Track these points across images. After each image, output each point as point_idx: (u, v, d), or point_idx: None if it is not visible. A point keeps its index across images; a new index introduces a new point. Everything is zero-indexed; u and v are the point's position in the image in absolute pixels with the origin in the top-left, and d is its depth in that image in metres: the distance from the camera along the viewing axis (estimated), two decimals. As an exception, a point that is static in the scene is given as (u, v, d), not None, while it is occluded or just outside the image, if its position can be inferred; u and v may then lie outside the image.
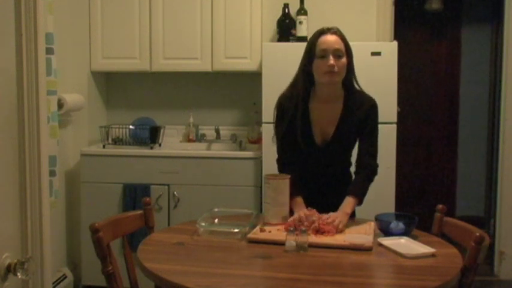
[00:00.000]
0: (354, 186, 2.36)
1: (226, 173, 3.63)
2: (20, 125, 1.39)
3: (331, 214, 2.22)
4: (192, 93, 4.24)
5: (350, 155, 2.49)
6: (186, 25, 3.87)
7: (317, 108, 2.40)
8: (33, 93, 1.42)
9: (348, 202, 2.30)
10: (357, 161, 2.42)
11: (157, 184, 3.68)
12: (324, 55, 2.27)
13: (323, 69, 2.28)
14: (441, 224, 2.25)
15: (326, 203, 2.32)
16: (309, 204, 2.34)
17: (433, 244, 2.04)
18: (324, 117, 2.39)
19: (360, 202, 2.35)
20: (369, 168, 2.39)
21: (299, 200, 2.37)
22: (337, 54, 2.27)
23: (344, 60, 2.29)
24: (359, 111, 2.38)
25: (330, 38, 2.29)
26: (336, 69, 2.26)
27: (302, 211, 2.27)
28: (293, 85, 2.41)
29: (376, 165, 2.41)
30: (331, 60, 2.25)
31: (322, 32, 2.33)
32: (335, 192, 2.38)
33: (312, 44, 2.33)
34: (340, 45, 2.29)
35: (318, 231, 2.14)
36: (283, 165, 2.47)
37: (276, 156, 2.51)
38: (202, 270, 1.83)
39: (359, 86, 2.41)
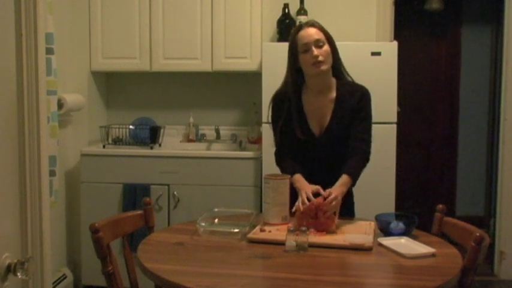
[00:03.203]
0: (349, 166, 2.34)
1: (226, 173, 3.63)
2: (20, 125, 1.39)
3: (331, 190, 2.23)
4: (192, 93, 4.24)
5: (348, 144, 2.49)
6: (186, 25, 3.87)
7: (311, 100, 2.44)
8: (33, 93, 1.42)
9: (344, 181, 2.30)
10: (349, 147, 2.39)
11: (157, 184, 3.68)
12: (307, 49, 2.33)
13: (309, 62, 2.33)
14: (441, 224, 2.25)
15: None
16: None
17: (433, 244, 2.04)
18: (319, 108, 2.43)
19: (353, 183, 2.36)
20: (361, 153, 2.38)
21: (298, 176, 2.37)
22: (318, 45, 2.32)
23: (326, 47, 2.34)
24: (351, 98, 2.41)
25: (309, 31, 2.35)
26: (320, 58, 2.31)
27: (307, 188, 2.27)
28: (285, 83, 2.46)
29: (369, 152, 2.42)
30: (314, 51, 2.30)
31: (299, 28, 2.39)
32: (335, 182, 2.37)
33: (292, 41, 2.39)
34: (319, 35, 2.34)
35: (319, 229, 2.15)
36: (282, 156, 2.49)
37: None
38: (202, 270, 1.83)
39: (349, 76, 2.45)
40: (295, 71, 2.41)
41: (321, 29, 2.37)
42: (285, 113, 2.43)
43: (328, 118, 2.42)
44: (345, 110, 2.41)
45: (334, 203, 2.18)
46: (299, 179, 2.37)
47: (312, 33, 2.34)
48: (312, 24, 2.38)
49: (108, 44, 3.96)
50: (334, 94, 2.43)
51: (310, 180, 2.40)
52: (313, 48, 2.31)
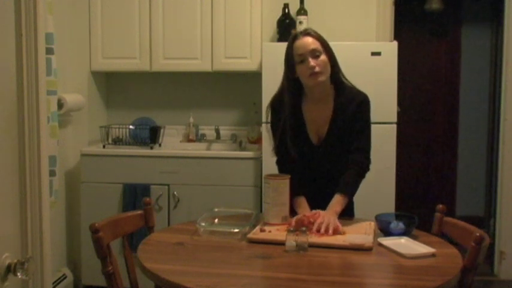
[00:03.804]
0: (344, 184, 2.32)
1: (226, 173, 3.63)
2: (20, 125, 1.39)
3: (320, 213, 2.21)
4: (192, 93, 4.24)
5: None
6: (186, 25, 3.87)
7: (310, 108, 2.40)
8: (33, 93, 1.42)
9: (337, 200, 2.28)
10: (348, 158, 2.37)
11: (157, 184, 3.68)
12: (303, 59, 2.27)
13: (306, 73, 2.27)
14: (441, 224, 2.25)
15: (326, 202, 2.32)
16: (309, 203, 2.34)
17: (433, 244, 2.04)
18: (318, 117, 2.39)
19: (349, 199, 2.34)
20: (359, 165, 2.35)
21: (301, 200, 2.36)
22: (314, 55, 2.26)
23: (323, 57, 2.27)
24: (350, 106, 2.36)
25: (304, 41, 2.28)
26: (317, 69, 2.25)
27: (306, 213, 2.26)
28: (282, 91, 2.40)
29: (368, 162, 2.38)
30: (311, 62, 2.24)
31: (295, 38, 2.32)
32: (334, 191, 2.37)
33: (288, 51, 2.33)
34: (315, 45, 2.27)
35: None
36: (283, 166, 2.47)
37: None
38: (202, 270, 1.83)
39: (348, 81, 2.40)
40: (292, 81, 2.34)
41: (317, 37, 2.29)
42: (284, 117, 2.38)
43: (326, 126, 2.38)
44: (344, 118, 2.36)
45: (331, 220, 2.15)
46: (301, 204, 2.35)
47: (308, 42, 2.27)
48: (308, 33, 2.30)
49: (108, 44, 3.96)
50: (333, 102, 2.38)
51: (311, 187, 2.40)
52: (310, 59, 2.24)
